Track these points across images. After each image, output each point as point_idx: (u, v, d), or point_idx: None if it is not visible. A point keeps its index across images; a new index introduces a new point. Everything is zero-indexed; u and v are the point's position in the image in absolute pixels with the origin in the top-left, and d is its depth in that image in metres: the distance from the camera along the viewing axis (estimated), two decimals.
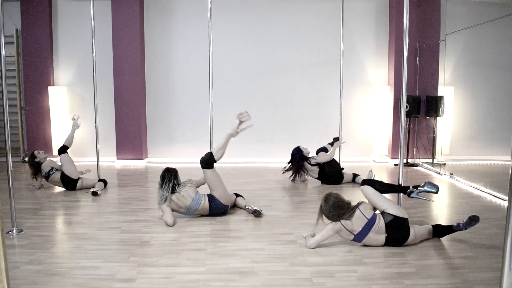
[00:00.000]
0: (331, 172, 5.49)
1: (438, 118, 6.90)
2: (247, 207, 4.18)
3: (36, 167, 5.22)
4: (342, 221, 3.13)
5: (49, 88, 7.19)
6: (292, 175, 5.64)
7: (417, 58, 7.13)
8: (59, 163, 5.22)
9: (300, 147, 5.63)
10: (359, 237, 3.16)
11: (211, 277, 2.72)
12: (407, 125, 6.96)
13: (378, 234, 3.17)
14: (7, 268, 1.72)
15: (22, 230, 3.61)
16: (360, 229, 3.13)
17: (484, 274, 2.75)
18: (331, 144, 5.87)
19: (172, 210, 3.87)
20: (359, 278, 2.71)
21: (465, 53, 6.86)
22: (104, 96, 7.10)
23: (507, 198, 2.72)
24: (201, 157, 4.02)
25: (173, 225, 3.75)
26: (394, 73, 7.14)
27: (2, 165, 5.14)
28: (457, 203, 4.76)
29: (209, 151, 4.16)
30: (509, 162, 5.16)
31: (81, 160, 7.25)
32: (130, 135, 7.17)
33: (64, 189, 5.21)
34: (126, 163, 7.17)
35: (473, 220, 3.04)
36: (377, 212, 3.24)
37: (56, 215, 4.25)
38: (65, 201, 4.81)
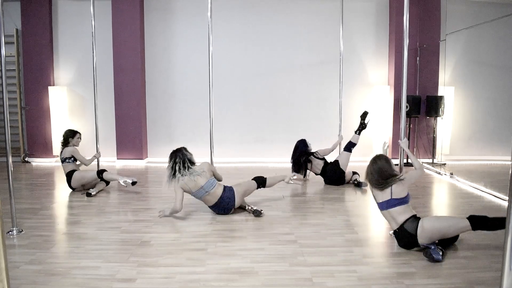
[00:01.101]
0: (331, 173, 5.44)
1: (438, 118, 6.90)
2: (247, 207, 4.19)
3: (64, 142, 5.14)
4: (374, 189, 3.22)
5: (49, 88, 7.19)
6: (293, 169, 5.57)
7: (417, 58, 7.13)
8: (84, 161, 5.22)
9: (306, 141, 5.58)
10: (379, 206, 3.23)
11: (211, 277, 2.72)
12: (407, 125, 6.96)
13: (392, 221, 3.17)
14: (7, 268, 1.72)
15: (22, 230, 3.61)
16: (380, 201, 3.19)
17: (484, 274, 2.75)
18: (358, 129, 5.58)
19: (184, 191, 3.93)
20: (359, 278, 2.71)
21: (465, 53, 6.86)
22: (104, 96, 7.10)
23: (507, 198, 2.72)
24: (258, 176, 4.31)
25: (180, 210, 3.89)
26: (394, 73, 7.14)
27: (2, 165, 5.14)
28: (457, 203, 4.76)
29: (266, 177, 4.34)
30: (509, 162, 5.17)
31: None
32: (130, 135, 7.17)
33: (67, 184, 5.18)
34: (126, 163, 7.17)
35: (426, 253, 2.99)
36: (416, 219, 3.11)
37: (56, 215, 4.25)
38: (65, 201, 4.82)
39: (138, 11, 7.03)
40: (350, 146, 5.49)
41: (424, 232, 3.02)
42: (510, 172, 1.97)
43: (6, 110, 3.52)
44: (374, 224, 4.00)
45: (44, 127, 7.28)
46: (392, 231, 3.25)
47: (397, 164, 5.81)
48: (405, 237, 3.11)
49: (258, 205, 4.31)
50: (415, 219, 3.09)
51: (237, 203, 4.09)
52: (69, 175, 5.09)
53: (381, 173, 3.17)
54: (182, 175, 3.90)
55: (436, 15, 7.00)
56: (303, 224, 3.83)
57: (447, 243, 3.15)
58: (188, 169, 3.92)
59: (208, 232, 3.65)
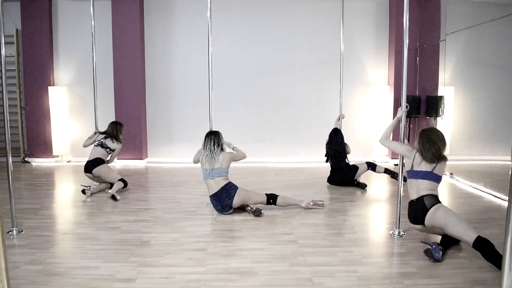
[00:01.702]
0: (344, 173, 5.39)
1: (438, 118, 6.90)
2: (247, 208, 4.20)
3: (115, 135, 5.19)
4: (417, 153, 3.16)
5: (49, 88, 7.19)
6: (329, 155, 5.48)
7: (417, 58, 7.13)
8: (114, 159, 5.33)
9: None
10: (412, 173, 3.19)
11: (211, 277, 2.72)
12: (407, 125, 6.95)
13: (414, 190, 3.16)
14: (7, 268, 1.72)
15: (22, 230, 3.61)
16: (416, 169, 3.16)
17: (484, 274, 2.75)
18: (391, 174, 5.47)
19: (198, 161, 4.30)
20: (359, 278, 2.71)
21: (465, 53, 6.85)
22: (104, 96, 7.10)
23: (507, 198, 2.72)
24: (272, 193, 4.30)
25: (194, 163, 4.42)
26: (394, 73, 7.14)
27: (2, 164, 5.14)
28: (457, 203, 4.76)
29: (279, 195, 4.32)
30: (509, 162, 5.16)
31: (81, 160, 7.25)
32: (130, 135, 7.17)
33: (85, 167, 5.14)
34: (126, 163, 7.17)
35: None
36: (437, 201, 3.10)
37: (56, 215, 4.25)
38: (65, 201, 4.82)
39: (138, 11, 7.03)
40: (371, 167, 5.43)
41: (435, 214, 3.02)
42: (510, 172, 1.98)
43: (6, 110, 3.52)
44: (374, 224, 4.00)
45: (44, 127, 7.27)
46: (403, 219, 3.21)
47: (397, 165, 5.80)
48: (418, 208, 3.10)
49: (258, 205, 4.31)
50: (437, 199, 3.10)
51: (235, 203, 4.10)
52: (98, 162, 5.02)
53: (442, 148, 3.16)
54: (205, 149, 4.21)
55: (436, 15, 6.99)
56: (303, 224, 3.83)
57: (449, 243, 3.14)
58: (212, 151, 4.16)
59: (208, 232, 3.66)
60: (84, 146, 5.33)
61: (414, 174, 3.19)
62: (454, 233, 2.99)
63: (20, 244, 3.32)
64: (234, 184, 4.17)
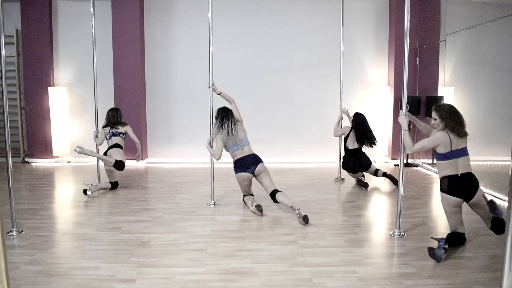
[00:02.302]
0: (363, 159, 5.39)
1: None
2: (251, 202, 4.24)
3: (118, 120, 5.34)
4: (451, 133, 3.15)
5: (49, 88, 7.19)
6: (361, 139, 5.43)
7: (417, 58, 7.13)
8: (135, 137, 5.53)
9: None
10: (453, 153, 3.16)
11: (211, 278, 2.72)
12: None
13: (453, 169, 3.16)
14: (7, 268, 1.72)
15: (22, 231, 3.61)
16: (454, 149, 3.15)
17: (484, 274, 2.75)
18: (389, 177, 5.48)
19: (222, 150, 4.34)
20: (359, 278, 2.71)
21: (465, 53, 6.85)
22: (104, 96, 7.08)
23: (507, 198, 2.72)
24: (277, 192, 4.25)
25: (218, 160, 4.30)
26: (394, 73, 7.14)
27: (2, 165, 5.14)
28: None
29: (281, 191, 4.28)
30: (509, 162, 5.16)
31: (82, 160, 7.26)
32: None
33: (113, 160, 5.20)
34: (126, 163, 7.13)
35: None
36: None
37: (55, 215, 4.25)
38: (64, 202, 4.82)
39: (138, 11, 7.02)
40: (375, 171, 5.47)
41: (479, 191, 3.13)
42: (510, 172, 1.97)
43: (6, 110, 3.52)
44: (374, 224, 4.00)
45: (44, 127, 7.27)
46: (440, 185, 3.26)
47: (397, 165, 5.78)
48: (468, 182, 3.14)
49: (259, 201, 4.31)
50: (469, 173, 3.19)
51: (258, 170, 4.31)
52: (117, 145, 5.27)
53: (457, 112, 3.20)
54: (227, 129, 4.31)
55: (436, 16, 6.99)
56: (303, 225, 3.83)
57: (454, 242, 3.15)
58: (229, 130, 4.31)
59: (208, 232, 3.65)
60: (99, 145, 5.43)
61: (453, 153, 3.16)
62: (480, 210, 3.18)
63: (20, 245, 3.32)
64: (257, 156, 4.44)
